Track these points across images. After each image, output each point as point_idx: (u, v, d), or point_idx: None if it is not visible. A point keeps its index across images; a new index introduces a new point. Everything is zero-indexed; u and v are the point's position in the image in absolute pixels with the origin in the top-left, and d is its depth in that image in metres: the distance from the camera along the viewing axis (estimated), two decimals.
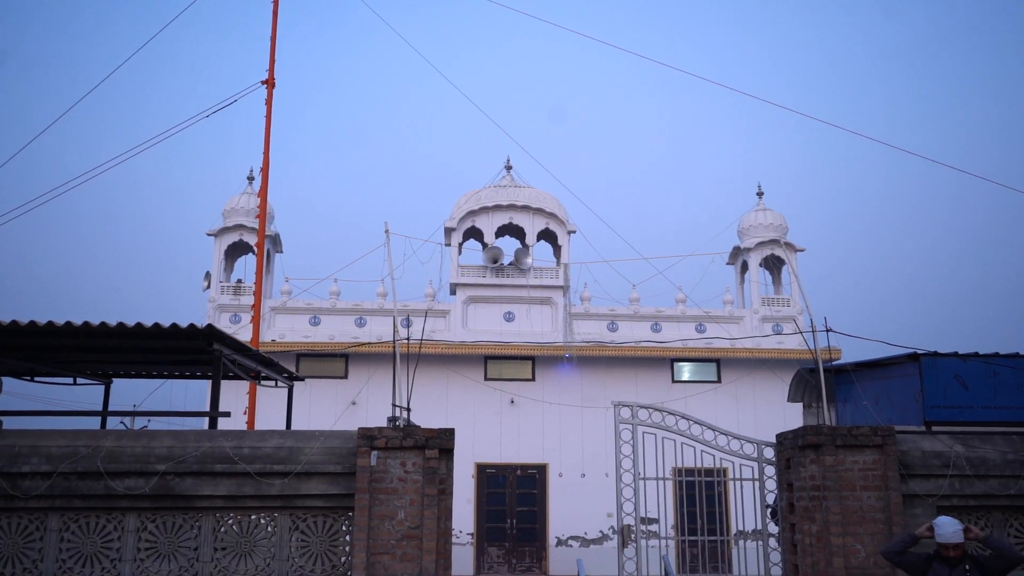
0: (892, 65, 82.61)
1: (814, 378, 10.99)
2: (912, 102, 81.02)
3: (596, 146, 79.96)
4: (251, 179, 22.60)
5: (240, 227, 21.68)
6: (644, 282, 21.99)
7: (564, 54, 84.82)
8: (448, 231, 22.06)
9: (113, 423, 9.47)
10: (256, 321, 16.42)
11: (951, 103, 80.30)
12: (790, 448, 8.28)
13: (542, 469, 20.63)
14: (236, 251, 22.37)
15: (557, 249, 22.33)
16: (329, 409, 19.67)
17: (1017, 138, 75.76)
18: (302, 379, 12.30)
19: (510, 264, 21.79)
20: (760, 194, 23.59)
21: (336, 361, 20.88)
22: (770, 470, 8.86)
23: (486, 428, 20.57)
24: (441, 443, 7.38)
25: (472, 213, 22.08)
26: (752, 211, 23.39)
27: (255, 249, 20.16)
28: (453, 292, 21.86)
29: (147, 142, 15.77)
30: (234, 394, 15.65)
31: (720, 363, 21.66)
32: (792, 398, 12.26)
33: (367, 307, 21.48)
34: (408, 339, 9.21)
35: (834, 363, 11.23)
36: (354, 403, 20.28)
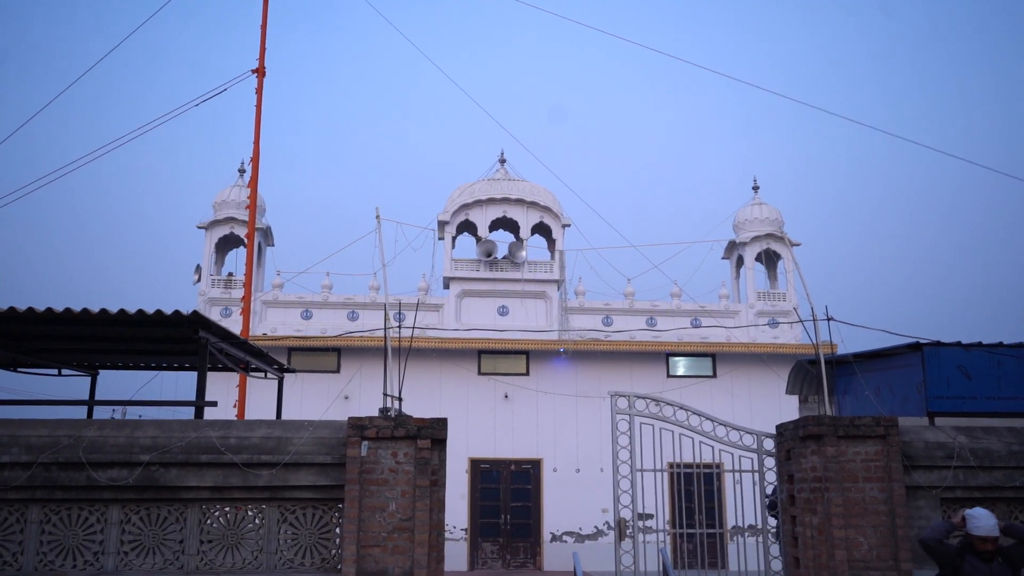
0: (891, 61, 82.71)
1: (814, 369, 10.82)
2: (911, 97, 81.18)
3: (593, 143, 79.99)
4: (242, 171, 22.32)
5: (231, 220, 21.42)
6: (639, 276, 21.88)
7: (564, 53, 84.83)
8: (441, 224, 21.85)
9: (99, 414, 9.25)
10: (246, 314, 16.18)
11: (950, 98, 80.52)
12: (791, 439, 8.12)
13: (536, 464, 20.45)
14: (227, 244, 22.10)
15: (551, 243, 22.14)
16: (321, 403, 19.42)
17: (1017, 134, 75.91)
18: (293, 371, 12.09)
19: (504, 258, 21.60)
20: (756, 188, 23.44)
21: (328, 355, 20.66)
22: (769, 462, 8.69)
23: (480, 423, 20.38)
24: (433, 433, 7.18)
25: (466, 206, 21.86)
26: (748, 205, 23.23)
27: (246, 242, 19.92)
28: (446, 286, 21.65)
29: (137, 130, 15.53)
30: (224, 387, 15.43)
31: (715, 358, 21.51)
32: (791, 390, 12.08)
33: (359, 301, 21.27)
34: (400, 327, 9.00)
35: (834, 355, 11.06)
36: (347, 397, 20.05)
